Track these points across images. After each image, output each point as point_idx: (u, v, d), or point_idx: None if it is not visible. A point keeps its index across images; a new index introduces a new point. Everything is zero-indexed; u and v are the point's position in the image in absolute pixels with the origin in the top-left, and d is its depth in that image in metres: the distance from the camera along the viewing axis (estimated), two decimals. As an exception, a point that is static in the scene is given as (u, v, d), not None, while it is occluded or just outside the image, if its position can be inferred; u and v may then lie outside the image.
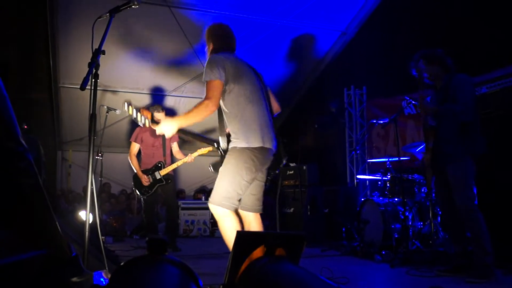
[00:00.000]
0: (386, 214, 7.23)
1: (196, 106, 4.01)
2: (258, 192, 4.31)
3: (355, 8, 10.37)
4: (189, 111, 4.04)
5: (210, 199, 4.04)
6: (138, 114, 4.37)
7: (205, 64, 4.14)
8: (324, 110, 11.89)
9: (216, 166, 4.24)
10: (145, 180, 7.82)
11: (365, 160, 10.91)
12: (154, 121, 4.40)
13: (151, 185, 7.88)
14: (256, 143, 4.02)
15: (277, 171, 4.44)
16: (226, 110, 4.16)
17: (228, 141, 4.18)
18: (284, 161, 4.43)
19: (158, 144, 8.05)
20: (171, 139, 8.13)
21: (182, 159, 7.90)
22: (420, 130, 9.04)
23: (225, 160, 4.09)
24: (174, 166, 7.93)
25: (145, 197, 7.95)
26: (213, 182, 4.17)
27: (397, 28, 9.22)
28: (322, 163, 10.43)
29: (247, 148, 4.01)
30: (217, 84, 4.00)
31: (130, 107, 4.39)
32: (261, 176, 4.28)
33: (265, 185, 4.38)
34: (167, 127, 4.11)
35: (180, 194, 13.74)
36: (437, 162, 5.44)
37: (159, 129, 4.16)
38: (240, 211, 4.27)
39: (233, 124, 4.11)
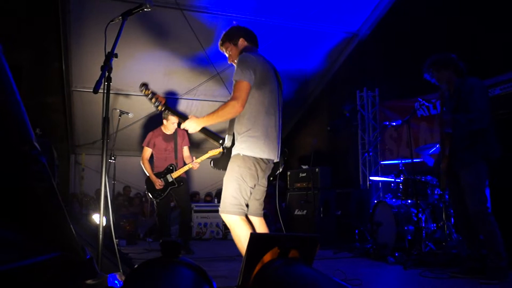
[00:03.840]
0: (399, 216, 7.20)
1: (222, 106, 4.01)
2: (261, 197, 4.33)
3: (367, 10, 10.36)
4: (215, 111, 4.03)
5: (220, 208, 4.05)
6: (153, 97, 4.38)
7: (237, 62, 4.11)
8: (336, 112, 11.88)
9: (217, 163, 4.27)
10: (159, 183, 7.84)
11: (378, 162, 10.88)
12: (170, 109, 4.40)
13: (164, 188, 7.90)
14: (260, 154, 4.03)
15: (271, 178, 4.44)
16: (241, 113, 4.14)
17: (233, 140, 4.18)
18: (281, 169, 4.42)
19: (170, 148, 8.08)
20: (182, 142, 8.16)
21: (188, 164, 7.91)
22: (433, 132, 9.01)
23: (229, 167, 4.09)
24: (185, 169, 7.96)
25: (157, 200, 7.97)
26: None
27: (409, 30, 9.20)
28: (335, 166, 10.42)
29: (252, 156, 4.02)
30: (246, 85, 3.99)
31: (146, 89, 4.40)
32: (263, 182, 4.29)
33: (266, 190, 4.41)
34: (192, 125, 4.17)
35: (193, 197, 13.78)
36: (452, 166, 5.41)
37: (184, 125, 4.21)
38: None
39: (243, 129, 4.09)
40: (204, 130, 4.31)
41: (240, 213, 3.97)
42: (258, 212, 4.32)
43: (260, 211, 4.34)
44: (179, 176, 7.95)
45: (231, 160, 4.11)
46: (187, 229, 8.58)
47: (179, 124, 7.80)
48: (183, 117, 4.33)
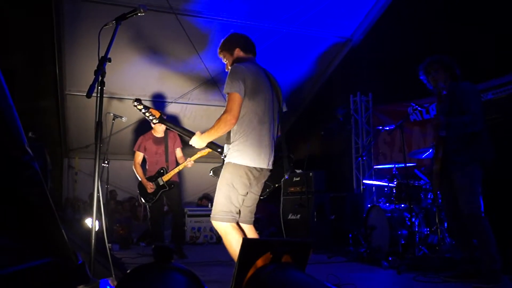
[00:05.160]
0: (392, 220, 7.22)
1: (217, 121, 4.05)
2: (252, 204, 4.34)
3: (360, 15, 10.38)
4: (212, 126, 4.09)
5: (212, 215, 4.08)
6: (147, 112, 4.38)
7: (228, 74, 4.13)
8: (330, 116, 11.89)
9: (217, 171, 4.29)
10: (150, 187, 7.83)
11: (372, 166, 10.91)
12: (165, 122, 4.43)
13: (155, 192, 7.88)
14: (251, 163, 4.04)
15: (276, 185, 4.44)
16: None
17: None
18: (286, 176, 4.42)
19: (161, 151, 8.05)
20: (174, 145, 8.14)
21: (182, 164, 7.87)
22: (426, 137, 9.05)
23: (221, 174, 4.13)
24: (175, 170, 7.91)
25: (150, 204, 7.95)
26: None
27: (402, 35, 9.22)
28: (329, 170, 10.42)
29: (243, 165, 4.03)
30: (236, 97, 4.01)
31: (139, 104, 4.40)
32: (256, 190, 4.30)
33: (260, 198, 4.41)
34: (198, 142, 4.26)
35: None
36: (445, 169, 5.42)
37: (190, 142, 4.31)
38: None
39: (236, 138, 4.12)
40: None
41: (230, 220, 3.99)
42: (248, 220, 4.33)
43: (250, 219, 4.36)
44: (170, 180, 7.93)
45: (223, 167, 4.14)
46: (180, 233, 8.54)
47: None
48: (183, 130, 4.39)
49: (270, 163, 4.21)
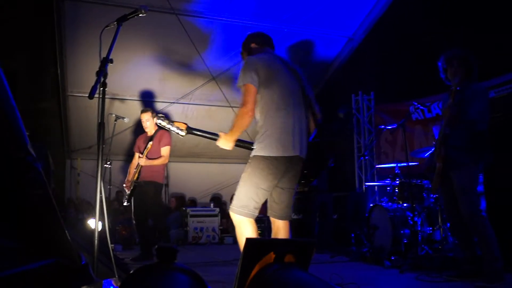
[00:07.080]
0: (395, 220, 7.21)
1: (235, 118, 4.07)
2: (285, 200, 4.28)
3: (362, 14, 10.37)
4: (233, 125, 4.09)
5: (231, 205, 4.09)
6: (173, 126, 4.32)
7: (240, 69, 4.16)
8: (332, 116, 11.89)
9: None
10: (125, 186, 7.74)
11: (374, 165, 10.90)
12: (193, 131, 4.35)
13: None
14: (274, 152, 3.99)
15: (302, 182, 4.40)
16: (255, 116, 4.17)
17: None
18: (330, 163, 4.39)
19: (142, 150, 7.76)
20: (159, 143, 7.79)
21: (137, 167, 7.63)
22: (428, 136, 9.04)
23: (244, 169, 4.10)
24: (135, 172, 7.65)
25: (124, 203, 7.80)
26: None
27: (404, 34, 9.21)
28: (331, 169, 10.41)
29: (264, 156, 3.99)
30: (250, 88, 4.03)
31: (165, 119, 4.34)
32: (287, 183, 4.23)
33: (305, 189, 4.36)
34: (225, 144, 4.19)
35: (191, 202, 13.66)
36: (445, 167, 5.40)
37: (218, 144, 4.22)
38: (270, 217, 4.33)
39: (259, 130, 4.12)
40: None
41: (245, 215, 3.98)
42: (282, 215, 4.31)
43: (285, 214, 4.33)
44: (136, 180, 7.62)
45: (248, 161, 4.12)
46: (154, 233, 8.15)
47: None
48: (212, 135, 4.31)
49: (299, 150, 4.15)
